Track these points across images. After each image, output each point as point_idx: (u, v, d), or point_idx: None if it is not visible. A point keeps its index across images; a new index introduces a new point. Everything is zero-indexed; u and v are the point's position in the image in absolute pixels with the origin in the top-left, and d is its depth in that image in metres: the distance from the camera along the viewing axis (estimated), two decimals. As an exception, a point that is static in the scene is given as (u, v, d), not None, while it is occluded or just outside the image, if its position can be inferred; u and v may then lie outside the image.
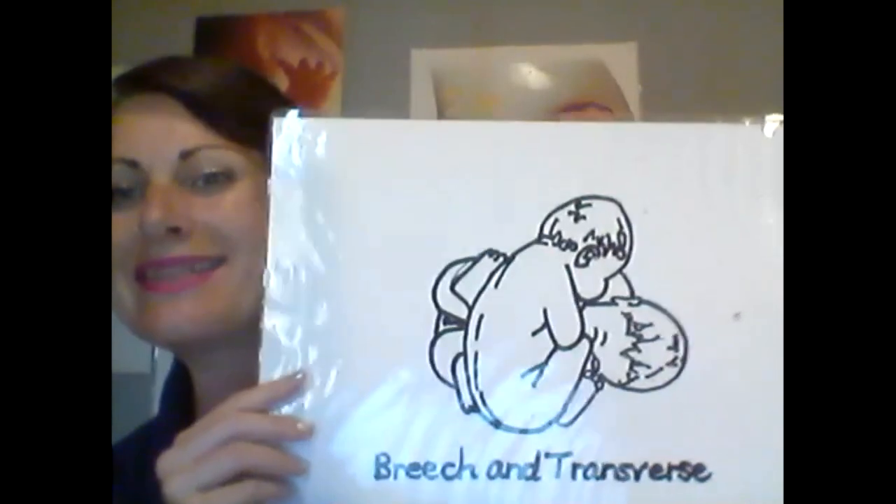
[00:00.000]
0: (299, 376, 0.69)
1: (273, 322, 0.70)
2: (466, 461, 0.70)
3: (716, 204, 0.74)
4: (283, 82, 2.10)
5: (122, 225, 0.79)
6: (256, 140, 0.78)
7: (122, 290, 0.80)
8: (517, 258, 0.72)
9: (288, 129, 0.72)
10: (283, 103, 0.79)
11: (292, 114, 0.72)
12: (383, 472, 0.69)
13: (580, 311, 0.72)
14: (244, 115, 0.81)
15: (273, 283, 0.71)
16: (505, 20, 2.08)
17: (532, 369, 0.71)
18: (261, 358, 0.70)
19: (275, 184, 0.72)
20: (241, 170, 0.80)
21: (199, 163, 0.80)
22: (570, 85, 2.06)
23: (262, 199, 0.74)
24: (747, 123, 0.75)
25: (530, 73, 2.08)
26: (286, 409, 0.69)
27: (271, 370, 0.70)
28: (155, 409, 0.91)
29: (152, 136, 0.79)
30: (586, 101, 2.04)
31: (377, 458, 0.69)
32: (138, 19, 2.02)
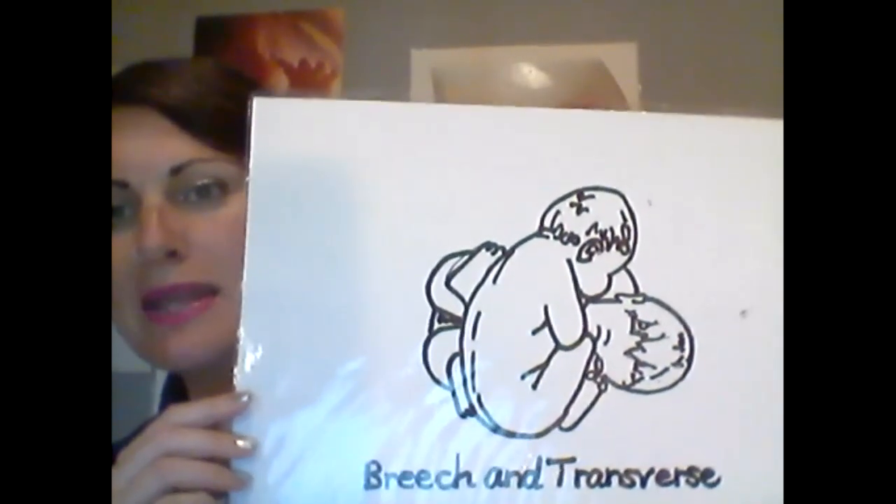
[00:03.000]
0: (245, 398, 0.65)
1: (253, 320, 0.66)
2: (463, 469, 0.66)
3: (722, 197, 0.72)
4: (283, 82, 2.11)
5: (118, 247, 0.77)
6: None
7: (128, 317, 0.79)
8: (516, 252, 0.69)
9: (269, 113, 0.69)
10: None
11: (274, 96, 0.69)
12: (374, 481, 0.65)
13: (582, 308, 0.69)
14: (232, 122, 0.77)
15: (253, 280, 0.67)
16: (505, 20, 2.07)
17: (532, 370, 0.68)
18: (236, 365, 0.66)
19: (254, 174, 0.68)
20: (234, 181, 0.78)
21: (190, 177, 0.77)
22: (570, 85, 2.04)
23: None
24: (757, 118, 0.73)
25: (530, 73, 2.07)
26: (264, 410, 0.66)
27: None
28: (155, 409, 0.90)
29: (140, 156, 0.77)
30: (586, 101, 2.02)
31: (367, 467, 0.65)
32: (138, 19, 2.01)
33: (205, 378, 0.80)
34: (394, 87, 2.01)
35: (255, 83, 0.89)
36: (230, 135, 0.77)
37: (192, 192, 0.77)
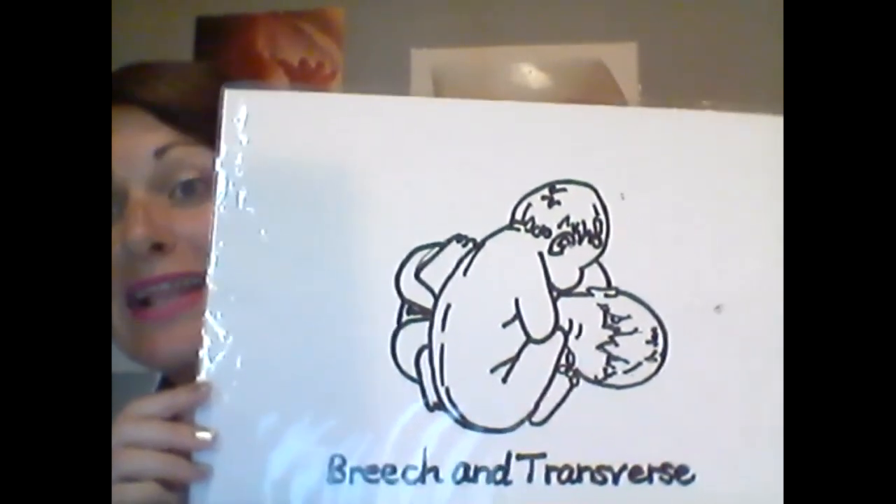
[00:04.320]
0: (204, 388, 0.65)
1: (219, 312, 0.66)
2: (430, 463, 0.65)
3: (696, 191, 0.71)
4: (283, 82, 2.10)
5: None
6: None
7: (114, 315, 0.78)
8: (487, 244, 0.68)
9: (239, 105, 0.68)
10: None
11: (243, 88, 0.69)
12: (338, 475, 0.64)
13: (554, 301, 0.68)
14: (215, 118, 0.77)
15: (220, 272, 0.66)
16: (505, 20, 2.07)
17: (502, 364, 0.67)
18: (202, 351, 0.65)
19: (222, 164, 0.68)
20: None
21: (174, 163, 0.77)
22: (570, 85, 2.03)
23: None
24: (732, 113, 0.72)
25: (530, 73, 2.06)
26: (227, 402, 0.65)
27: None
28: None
29: (124, 145, 0.76)
30: (586, 101, 2.00)
31: (331, 460, 0.64)
32: (138, 19, 2.02)
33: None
34: (394, 87, 2.01)
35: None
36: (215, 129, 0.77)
37: (177, 188, 0.77)
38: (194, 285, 0.75)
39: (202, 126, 0.76)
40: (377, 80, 2.04)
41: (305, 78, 2.11)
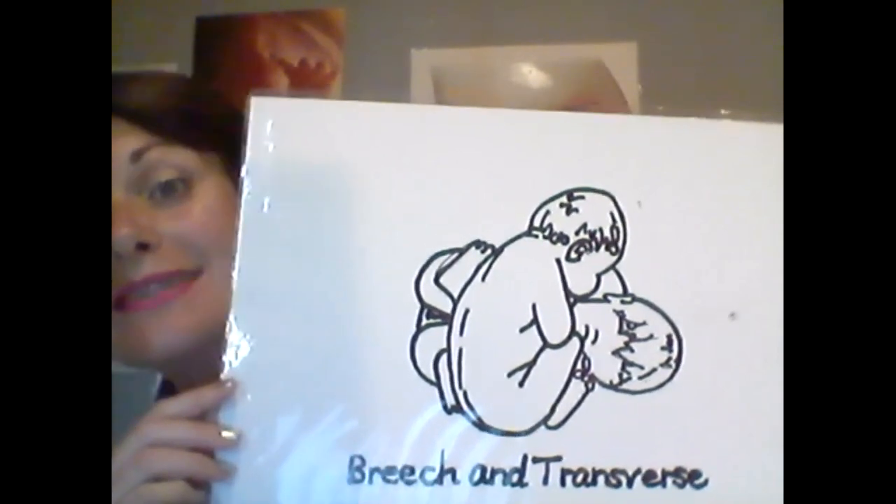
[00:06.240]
0: (229, 384, 0.66)
1: (243, 313, 0.67)
2: (448, 465, 0.66)
3: (712, 200, 0.72)
4: (283, 82, 2.10)
5: None
6: (207, 142, 0.78)
7: None
8: (506, 251, 0.69)
9: (265, 112, 0.69)
10: (229, 109, 0.79)
11: (271, 95, 0.70)
12: (357, 476, 0.65)
13: (571, 307, 0.69)
14: (190, 118, 0.79)
15: (244, 274, 0.67)
16: (505, 20, 2.07)
17: (519, 368, 0.68)
18: (225, 358, 0.66)
19: (248, 169, 0.68)
20: (197, 172, 0.78)
21: (151, 165, 0.77)
22: (570, 85, 2.04)
23: (226, 200, 0.72)
24: (745, 121, 0.73)
25: (530, 73, 2.06)
26: (251, 402, 0.65)
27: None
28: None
29: None
30: (586, 101, 2.02)
31: (351, 461, 0.65)
32: (138, 19, 2.02)
33: (195, 383, 0.80)
34: (394, 87, 2.01)
35: (219, 94, 0.90)
36: (189, 128, 0.78)
37: (157, 190, 0.77)
38: (183, 280, 0.76)
39: (176, 126, 0.78)
40: (377, 80, 2.04)
41: (305, 78, 2.11)
